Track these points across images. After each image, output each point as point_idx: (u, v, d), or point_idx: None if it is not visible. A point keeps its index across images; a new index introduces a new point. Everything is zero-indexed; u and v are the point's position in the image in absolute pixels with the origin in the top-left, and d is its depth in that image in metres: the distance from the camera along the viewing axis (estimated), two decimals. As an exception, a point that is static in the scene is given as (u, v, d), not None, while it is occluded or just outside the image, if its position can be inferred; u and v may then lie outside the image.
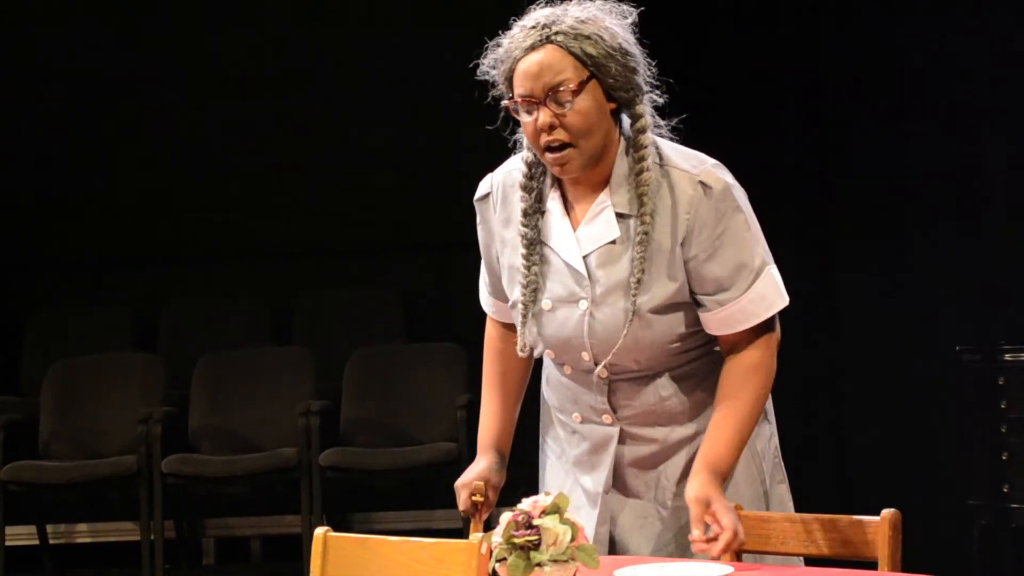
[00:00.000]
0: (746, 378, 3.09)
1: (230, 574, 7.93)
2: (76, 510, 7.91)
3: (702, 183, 3.05)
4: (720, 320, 3.09)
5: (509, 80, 3.05)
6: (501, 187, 3.22)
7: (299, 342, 8.08)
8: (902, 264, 6.67)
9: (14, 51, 8.35)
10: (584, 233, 3.10)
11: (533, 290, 3.14)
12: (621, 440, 3.18)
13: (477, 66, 3.13)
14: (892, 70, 6.66)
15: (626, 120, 3.10)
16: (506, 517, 2.72)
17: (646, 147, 3.06)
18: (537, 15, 3.05)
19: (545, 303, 3.14)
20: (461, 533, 3.21)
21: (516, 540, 2.69)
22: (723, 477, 3.05)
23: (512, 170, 3.21)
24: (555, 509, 2.71)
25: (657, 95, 3.13)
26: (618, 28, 3.05)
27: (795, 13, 6.76)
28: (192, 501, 7.83)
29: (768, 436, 3.24)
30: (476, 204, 3.28)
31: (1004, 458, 6.19)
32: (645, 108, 3.09)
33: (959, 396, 6.37)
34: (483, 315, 3.42)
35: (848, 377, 6.72)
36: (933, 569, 2.92)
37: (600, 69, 3.01)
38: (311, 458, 7.19)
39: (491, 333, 3.38)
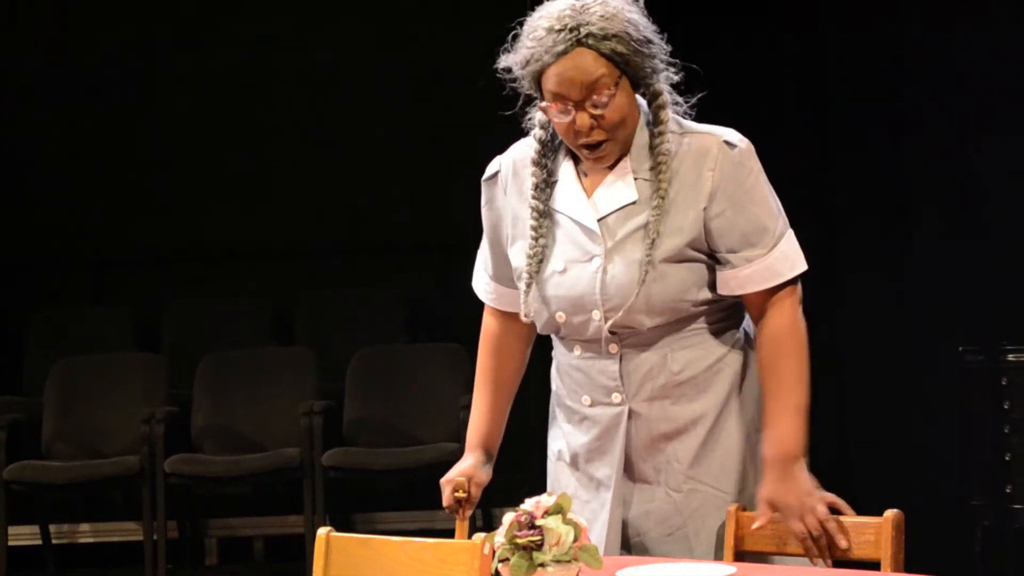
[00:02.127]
0: (784, 342, 3.12)
1: (233, 574, 7.93)
2: (79, 510, 7.92)
3: (727, 142, 3.13)
4: (746, 277, 3.11)
5: (537, 82, 3.08)
6: (512, 165, 3.25)
7: (302, 342, 8.08)
8: (904, 265, 6.67)
9: (14, 51, 8.35)
10: (601, 196, 3.14)
11: (538, 261, 3.17)
12: (631, 423, 3.16)
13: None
14: (894, 71, 6.66)
15: (646, 97, 3.16)
16: (509, 517, 2.72)
17: (665, 122, 3.12)
18: (559, 14, 3.05)
19: (557, 264, 3.16)
20: (470, 536, 3.21)
21: (519, 540, 2.69)
22: (792, 458, 3.09)
23: (524, 147, 3.25)
24: (558, 509, 2.72)
25: (672, 72, 3.17)
26: (637, 16, 3.09)
27: (797, 15, 6.77)
28: (195, 501, 7.83)
29: None
30: (484, 184, 3.31)
31: (1007, 459, 6.18)
32: (663, 86, 3.14)
33: (962, 397, 6.37)
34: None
35: (850, 378, 6.72)
36: (935, 570, 2.92)
37: (630, 65, 3.06)
38: (314, 458, 7.19)
39: (488, 327, 3.39)
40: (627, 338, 3.14)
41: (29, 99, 8.35)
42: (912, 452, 6.49)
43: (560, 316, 3.17)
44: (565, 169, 3.19)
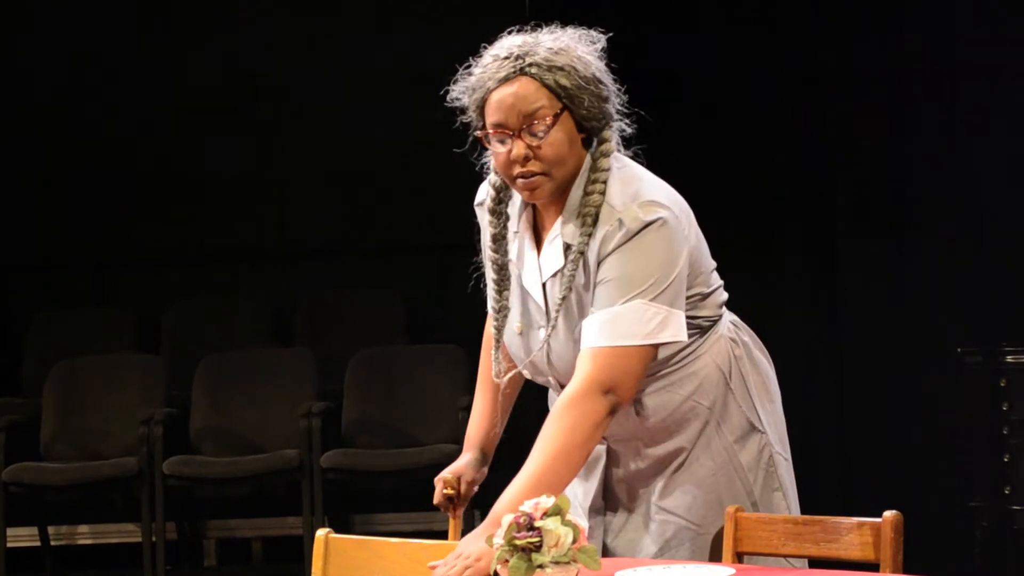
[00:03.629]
0: (564, 419, 2.96)
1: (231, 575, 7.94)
2: (78, 511, 7.91)
3: (619, 220, 3.02)
4: (582, 329, 3.03)
5: (481, 109, 3.06)
6: (487, 209, 3.24)
7: (301, 343, 8.07)
8: (904, 266, 6.67)
9: (13, 50, 8.35)
10: (544, 259, 3.13)
11: (504, 316, 3.18)
12: (610, 456, 3.20)
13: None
14: (893, 74, 6.66)
15: (594, 144, 3.10)
16: (508, 519, 2.72)
17: (603, 171, 3.06)
18: (509, 44, 3.05)
19: (516, 326, 3.18)
20: (463, 535, 3.21)
21: (518, 542, 2.69)
22: (495, 521, 2.89)
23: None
24: (556, 511, 2.71)
25: (627, 124, 3.13)
26: (590, 57, 3.05)
27: (795, 17, 6.76)
28: (194, 502, 7.83)
29: (758, 448, 3.22)
30: (476, 209, 3.31)
31: (1006, 460, 6.18)
32: (612, 135, 3.09)
33: (961, 398, 6.37)
34: (484, 316, 3.44)
35: (850, 379, 6.71)
36: (935, 571, 2.91)
37: (573, 100, 3.02)
38: (312, 459, 7.19)
39: (490, 333, 3.40)
40: None
41: (29, 100, 8.35)
42: (911, 453, 6.48)
43: (526, 372, 3.22)
44: (524, 222, 3.16)
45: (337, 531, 2.90)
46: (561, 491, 2.97)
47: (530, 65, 3.00)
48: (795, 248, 6.68)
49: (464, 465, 3.33)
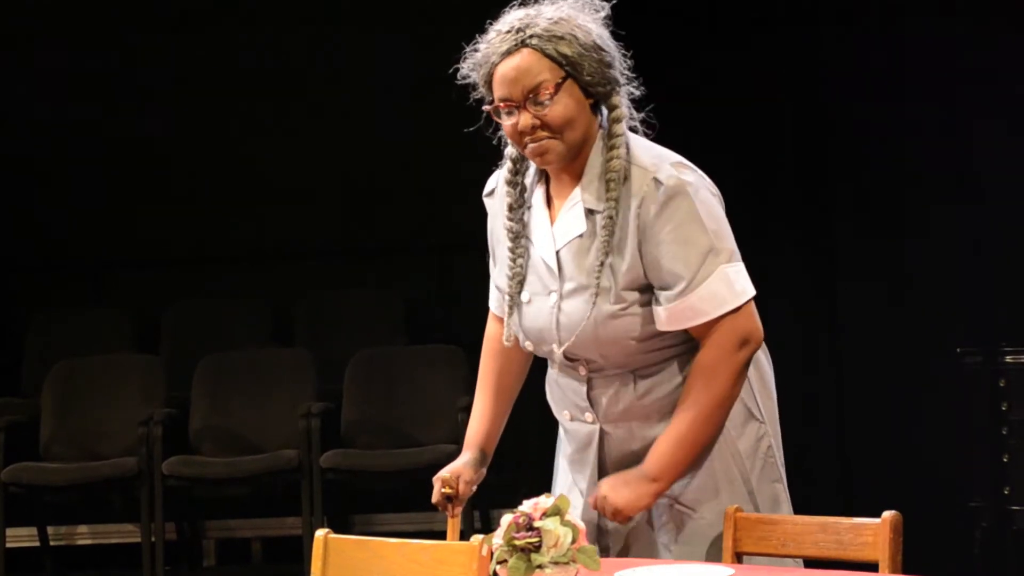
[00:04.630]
0: (698, 381, 3.10)
1: None
2: (77, 512, 7.91)
3: (655, 179, 3.09)
4: (668, 316, 3.10)
5: (488, 84, 3.12)
6: (503, 183, 3.28)
7: (300, 344, 8.07)
8: (903, 266, 6.68)
9: (14, 51, 8.35)
10: (558, 227, 3.17)
11: (519, 282, 3.21)
12: (603, 438, 3.22)
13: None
14: (892, 73, 6.67)
15: (604, 112, 3.16)
16: (507, 519, 2.72)
17: (619, 136, 3.12)
18: (511, 19, 3.12)
19: (525, 295, 3.20)
20: (463, 535, 3.21)
21: (517, 542, 2.69)
22: (645, 477, 3.10)
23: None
24: (556, 511, 2.72)
25: (634, 87, 3.18)
26: (592, 24, 3.11)
27: (796, 15, 6.77)
28: (193, 503, 7.83)
29: (756, 436, 3.23)
30: (484, 200, 3.35)
31: (1005, 460, 6.18)
32: (621, 100, 3.15)
33: (960, 398, 6.37)
34: (484, 316, 3.44)
35: (849, 379, 6.72)
36: (934, 571, 2.92)
37: (576, 68, 3.07)
38: (312, 460, 7.19)
39: (491, 331, 3.43)
40: (592, 363, 3.17)
41: (30, 99, 8.34)
42: (911, 453, 6.49)
43: (528, 345, 3.25)
44: (537, 194, 3.22)
45: (336, 531, 2.89)
46: (706, 446, 3.11)
47: (531, 37, 3.07)
48: (795, 247, 6.68)
49: (463, 465, 3.34)
